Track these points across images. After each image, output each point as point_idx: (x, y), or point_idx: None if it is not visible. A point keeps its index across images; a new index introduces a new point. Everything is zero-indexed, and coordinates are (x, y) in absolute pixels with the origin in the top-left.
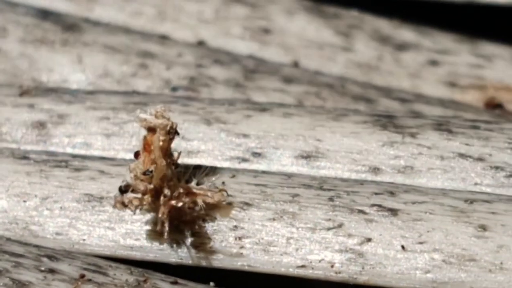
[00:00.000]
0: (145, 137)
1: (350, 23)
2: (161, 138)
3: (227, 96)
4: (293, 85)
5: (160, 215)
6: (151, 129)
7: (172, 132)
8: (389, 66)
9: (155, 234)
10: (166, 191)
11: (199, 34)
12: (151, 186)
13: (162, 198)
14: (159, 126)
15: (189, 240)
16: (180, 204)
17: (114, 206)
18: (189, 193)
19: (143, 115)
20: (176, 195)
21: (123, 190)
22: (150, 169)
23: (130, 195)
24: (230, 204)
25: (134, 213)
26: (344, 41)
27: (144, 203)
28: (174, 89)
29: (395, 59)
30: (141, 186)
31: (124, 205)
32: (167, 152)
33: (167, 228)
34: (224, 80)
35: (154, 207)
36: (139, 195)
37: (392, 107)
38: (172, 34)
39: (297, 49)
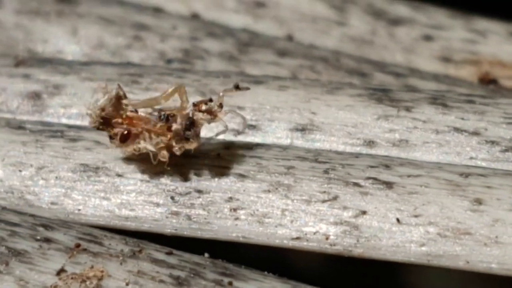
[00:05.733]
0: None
1: None
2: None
3: (221, 69)
4: (287, 59)
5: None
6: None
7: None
8: (383, 40)
9: (150, 204)
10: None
11: (193, 7)
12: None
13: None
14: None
15: (184, 211)
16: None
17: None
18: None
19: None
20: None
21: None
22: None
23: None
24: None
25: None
26: (338, 15)
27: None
28: (169, 61)
29: (389, 34)
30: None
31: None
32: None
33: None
34: (218, 53)
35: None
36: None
37: (387, 82)
38: (166, 6)
39: (291, 23)
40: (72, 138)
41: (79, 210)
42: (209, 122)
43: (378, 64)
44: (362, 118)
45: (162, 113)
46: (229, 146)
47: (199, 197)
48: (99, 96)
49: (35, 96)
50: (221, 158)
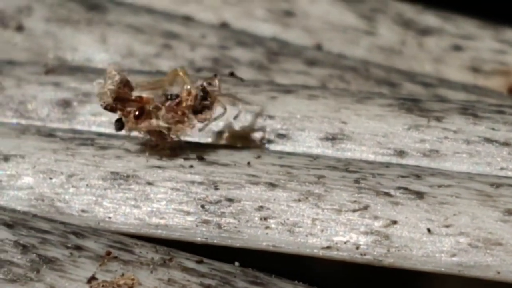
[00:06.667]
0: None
1: (373, 7)
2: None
3: (250, 77)
4: (317, 68)
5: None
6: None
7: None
8: (413, 50)
9: (181, 213)
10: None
11: (222, 15)
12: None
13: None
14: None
15: (214, 220)
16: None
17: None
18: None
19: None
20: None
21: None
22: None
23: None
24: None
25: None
26: (367, 25)
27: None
28: (199, 70)
29: (418, 44)
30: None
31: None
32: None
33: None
34: (247, 62)
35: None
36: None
37: (416, 92)
38: (195, 15)
39: (320, 32)
40: (102, 146)
41: (109, 218)
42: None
43: (407, 74)
44: (392, 128)
45: (169, 93)
46: (259, 155)
47: (229, 206)
48: (107, 79)
49: (65, 104)
50: (251, 167)
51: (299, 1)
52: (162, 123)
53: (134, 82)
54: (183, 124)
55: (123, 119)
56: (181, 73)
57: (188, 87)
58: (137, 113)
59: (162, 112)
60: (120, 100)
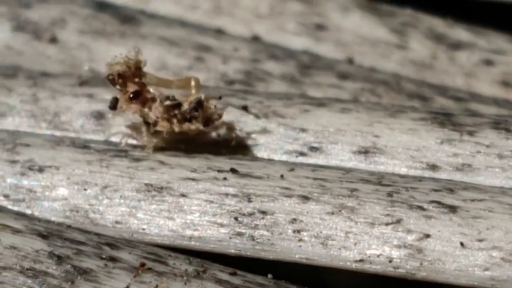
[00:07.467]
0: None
1: (404, 21)
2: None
3: (283, 91)
4: (349, 82)
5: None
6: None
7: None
8: (444, 64)
9: (214, 225)
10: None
11: (254, 29)
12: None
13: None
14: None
15: (247, 232)
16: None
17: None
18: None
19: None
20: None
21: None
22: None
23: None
24: None
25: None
26: (399, 39)
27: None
28: (231, 83)
29: (449, 58)
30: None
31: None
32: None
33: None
34: (279, 75)
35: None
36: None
37: (447, 106)
38: (227, 28)
39: (351, 46)
40: (136, 158)
41: (143, 229)
42: (205, 122)
43: (439, 88)
44: (425, 142)
45: (172, 95)
46: (292, 167)
47: (262, 218)
48: (125, 56)
49: (99, 115)
50: (285, 180)
51: (331, 15)
52: (151, 114)
53: (145, 73)
54: (169, 124)
55: (119, 97)
56: (192, 82)
57: (191, 96)
58: (133, 94)
59: (156, 104)
60: (124, 78)
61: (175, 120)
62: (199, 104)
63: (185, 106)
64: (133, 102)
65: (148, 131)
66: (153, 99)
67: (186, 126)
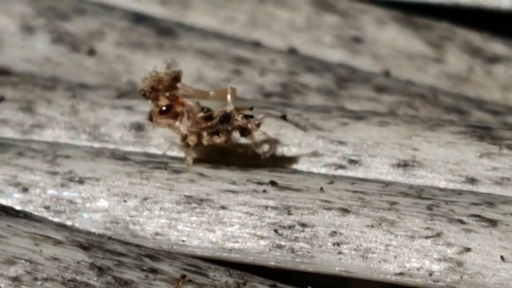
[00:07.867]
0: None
1: (441, 34)
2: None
3: (320, 103)
4: (385, 95)
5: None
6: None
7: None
8: (480, 78)
9: (254, 237)
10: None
11: (291, 41)
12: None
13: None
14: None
15: (287, 244)
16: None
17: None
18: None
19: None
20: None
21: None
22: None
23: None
24: None
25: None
26: (435, 52)
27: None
28: (268, 95)
29: (486, 72)
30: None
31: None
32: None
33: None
34: (316, 88)
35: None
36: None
37: (484, 119)
38: (264, 40)
39: (387, 59)
40: (176, 170)
41: (183, 241)
42: (242, 132)
43: (476, 101)
44: (464, 156)
45: (206, 107)
46: (331, 180)
47: (302, 231)
48: (161, 69)
49: (138, 127)
50: (324, 192)
51: (367, 28)
52: (182, 128)
53: (181, 84)
54: (198, 138)
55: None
56: (228, 93)
57: (226, 107)
58: (164, 108)
59: (185, 118)
60: (157, 91)
61: (204, 133)
62: (225, 117)
63: (216, 113)
64: (164, 116)
65: (182, 144)
66: (188, 115)
67: (215, 139)
